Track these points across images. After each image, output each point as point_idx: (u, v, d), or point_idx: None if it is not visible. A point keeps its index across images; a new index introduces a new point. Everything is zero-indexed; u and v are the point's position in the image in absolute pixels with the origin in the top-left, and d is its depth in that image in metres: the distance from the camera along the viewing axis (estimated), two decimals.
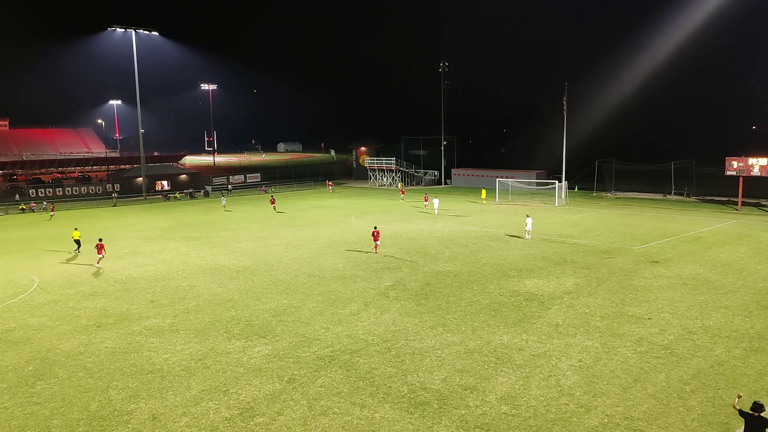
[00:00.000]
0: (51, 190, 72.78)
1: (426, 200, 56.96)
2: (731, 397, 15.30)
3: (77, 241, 37.04)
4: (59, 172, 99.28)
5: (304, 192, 79.82)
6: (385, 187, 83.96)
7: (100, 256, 33.10)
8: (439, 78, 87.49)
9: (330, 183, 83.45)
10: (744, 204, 52.95)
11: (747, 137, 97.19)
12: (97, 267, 32.56)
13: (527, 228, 38.53)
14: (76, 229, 39.01)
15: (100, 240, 34.19)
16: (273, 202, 60.60)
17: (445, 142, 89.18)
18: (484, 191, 63.88)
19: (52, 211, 58.50)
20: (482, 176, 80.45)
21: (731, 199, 55.97)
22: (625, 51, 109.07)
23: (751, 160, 51.02)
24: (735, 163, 51.93)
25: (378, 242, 34.99)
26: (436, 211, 52.47)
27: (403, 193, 69.54)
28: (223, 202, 63.65)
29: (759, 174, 50.89)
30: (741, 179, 52.07)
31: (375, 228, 36.02)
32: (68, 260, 35.05)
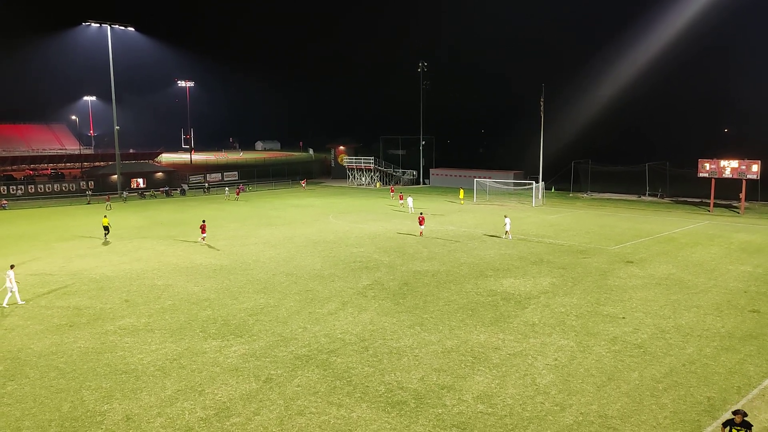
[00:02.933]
0: (23, 188, 71.42)
1: (401, 198, 57.23)
2: (703, 395, 15.61)
3: (106, 228, 40.50)
4: (31, 169, 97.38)
5: (282, 191, 79.42)
6: (364, 187, 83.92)
7: (204, 235, 38.57)
8: (419, 78, 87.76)
9: (303, 181, 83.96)
10: (716, 205, 53.96)
11: (719, 140, 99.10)
12: (203, 244, 37.88)
13: (506, 228, 38.82)
14: (105, 216, 42.78)
15: (204, 221, 40.03)
16: (238, 193, 69.59)
17: (423, 142, 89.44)
18: (461, 191, 64.19)
19: (108, 200, 62.82)
20: (460, 176, 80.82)
21: (704, 201, 57.01)
22: (602, 55, 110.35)
23: (723, 162, 52.02)
24: (707, 165, 52.89)
25: (423, 226, 40.43)
26: (411, 210, 52.68)
27: (393, 191, 69.60)
28: (227, 193, 71.51)
29: (730, 176, 51.89)
30: (713, 181, 53.04)
31: (421, 213, 42.48)
32: (104, 244, 38.89)
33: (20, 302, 24.62)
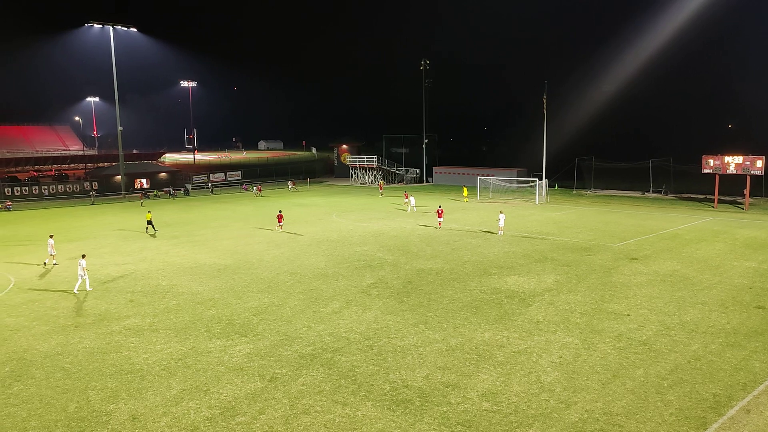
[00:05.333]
0: (27, 189, 71.63)
1: (406, 197, 57.17)
2: (708, 391, 15.58)
3: (149, 222, 43.01)
4: (36, 171, 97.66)
5: (286, 190, 79.45)
6: (367, 185, 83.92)
7: (280, 224, 42.40)
8: (421, 76, 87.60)
9: (293, 182, 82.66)
10: (720, 201, 53.80)
11: (724, 135, 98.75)
12: (280, 231, 41.75)
13: (500, 224, 38.86)
14: (149, 211, 45.60)
15: (280, 211, 44.36)
16: (259, 190, 73.53)
17: (426, 140, 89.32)
18: (465, 189, 64.09)
19: (142, 197, 66.66)
20: (463, 174, 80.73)
21: (708, 197, 56.86)
22: (606, 51, 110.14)
23: (727, 158, 51.84)
24: (711, 161, 52.70)
25: (441, 219, 42.92)
26: (414, 209, 52.73)
27: (381, 188, 71.15)
28: (254, 190, 74.00)
29: (735, 172, 51.72)
30: (717, 177, 52.87)
31: (440, 207, 44.72)
32: (151, 236, 41.90)
33: (88, 288, 26.85)
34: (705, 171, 53.38)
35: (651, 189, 64.90)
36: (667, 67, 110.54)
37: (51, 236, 33.46)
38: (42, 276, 30.24)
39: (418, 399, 15.41)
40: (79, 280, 26.82)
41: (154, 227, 42.95)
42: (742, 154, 51.39)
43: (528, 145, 77.82)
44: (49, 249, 32.55)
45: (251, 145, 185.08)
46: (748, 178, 51.13)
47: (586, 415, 14.40)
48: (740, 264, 30.04)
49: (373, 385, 16.30)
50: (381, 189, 70.62)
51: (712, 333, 19.95)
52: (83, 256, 27.69)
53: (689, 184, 61.43)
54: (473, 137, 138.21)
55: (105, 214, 56.89)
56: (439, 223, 42.87)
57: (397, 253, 33.82)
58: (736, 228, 41.19)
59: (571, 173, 70.29)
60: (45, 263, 32.59)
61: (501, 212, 40.25)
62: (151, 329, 21.32)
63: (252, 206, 60.35)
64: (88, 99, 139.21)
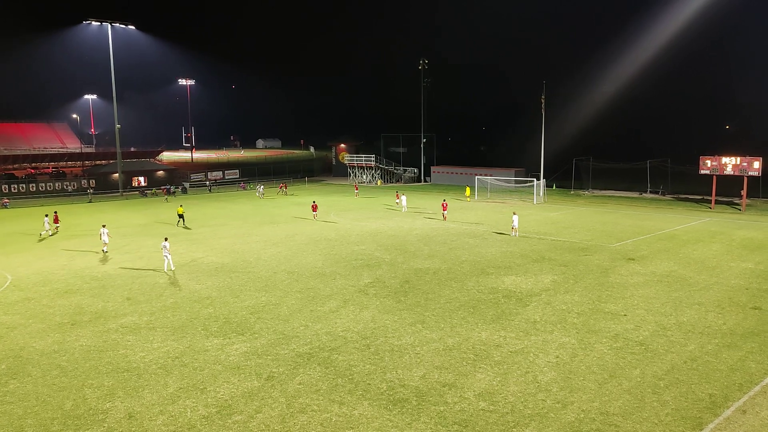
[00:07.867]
0: (24, 186, 71.49)
1: (398, 197, 57.15)
2: (704, 392, 15.61)
3: (181, 216, 45.77)
4: (33, 168, 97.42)
5: (298, 188, 79.33)
6: (365, 185, 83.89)
7: (315, 213, 46.69)
8: (420, 76, 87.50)
9: (282, 185, 74.46)
10: (717, 202, 53.87)
11: (723, 135, 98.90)
12: (316, 220, 45.94)
13: (514, 225, 38.73)
14: (181, 206, 49.09)
15: (314, 202, 48.42)
16: (285, 186, 73.25)
17: (424, 140, 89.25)
18: (468, 189, 63.95)
19: (166, 193, 70.23)
20: (462, 174, 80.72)
21: (705, 198, 56.93)
22: (604, 52, 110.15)
23: (725, 159, 51.86)
24: (709, 162, 52.73)
25: (446, 212, 46.23)
26: (404, 209, 52.66)
27: (357, 189, 71.08)
28: (260, 190, 69.63)
29: (732, 173, 51.77)
30: (714, 178, 52.94)
31: (444, 200, 48.14)
32: (184, 228, 44.38)
33: (172, 268, 29.98)
34: (702, 172, 53.36)
35: (648, 189, 64.98)
36: (668, 67, 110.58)
37: (104, 225, 35.71)
38: (103, 262, 32.37)
39: (414, 398, 15.41)
40: (166, 261, 29.69)
41: (184, 221, 45.41)
42: (740, 155, 51.43)
43: (527, 145, 77.74)
44: (103, 237, 34.60)
45: (249, 144, 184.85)
46: (746, 179, 51.19)
47: (582, 415, 14.42)
48: (737, 265, 30.09)
49: (369, 384, 16.30)
50: (357, 189, 70.55)
51: (708, 333, 19.99)
52: (166, 239, 30.34)
53: (687, 185, 61.52)
54: (472, 137, 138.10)
55: (102, 212, 56.77)
56: (444, 216, 45.83)
57: (394, 252, 33.82)
58: (733, 229, 41.26)
59: (569, 173, 70.34)
60: (104, 251, 34.72)
61: (514, 213, 40.07)
62: (148, 327, 21.30)
63: (250, 205, 60.32)
64: (86, 96, 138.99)
